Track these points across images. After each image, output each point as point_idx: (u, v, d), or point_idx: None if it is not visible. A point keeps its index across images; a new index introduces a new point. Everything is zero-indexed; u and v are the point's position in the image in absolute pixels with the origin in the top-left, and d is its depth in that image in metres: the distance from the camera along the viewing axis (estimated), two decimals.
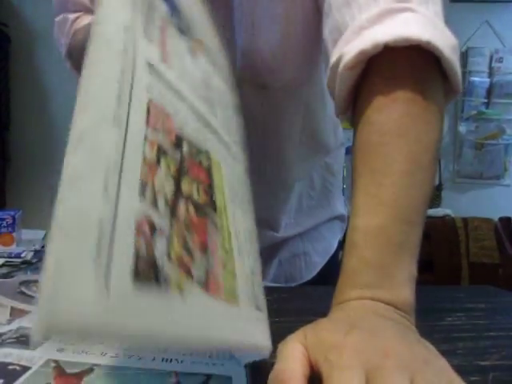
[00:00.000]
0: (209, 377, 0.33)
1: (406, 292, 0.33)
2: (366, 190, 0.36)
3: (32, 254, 1.27)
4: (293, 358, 0.26)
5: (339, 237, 0.81)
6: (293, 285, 0.74)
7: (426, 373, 0.24)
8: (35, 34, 2.59)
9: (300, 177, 0.74)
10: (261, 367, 0.33)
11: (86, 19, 0.63)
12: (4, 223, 1.30)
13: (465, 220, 1.91)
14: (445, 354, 0.26)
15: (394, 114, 0.38)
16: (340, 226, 0.82)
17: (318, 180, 0.78)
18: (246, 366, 0.35)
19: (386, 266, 0.34)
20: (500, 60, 2.85)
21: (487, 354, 0.40)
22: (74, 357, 0.35)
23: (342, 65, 0.41)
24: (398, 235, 0.35)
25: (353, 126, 0.42)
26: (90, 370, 0.33)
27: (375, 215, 0.35)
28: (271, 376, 0.26)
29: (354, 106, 0.43)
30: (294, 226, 0.75)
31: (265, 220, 0.72)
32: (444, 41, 0.39)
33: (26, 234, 1.49)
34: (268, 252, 0.73)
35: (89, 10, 0.63)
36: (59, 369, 0.33)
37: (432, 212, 2.47)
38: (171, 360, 0.36)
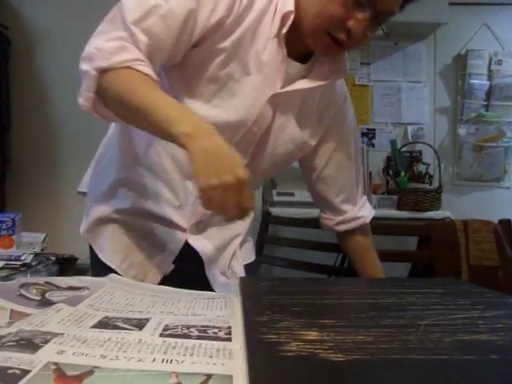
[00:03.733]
0: (209, 376, 0.33)
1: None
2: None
3: (32, 256, 1.27)
4: None
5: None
6: (251, 260, 1.01)
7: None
8: (35, 36, 2.60)
9: None
10: (262, 367, 0.33)
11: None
12: (4, 226, 1.30)
13: (465, 222, 1.91)
14: None
15: (371, 250, 1.05)
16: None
17: None
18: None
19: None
20: (499, 63, 2.86)
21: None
22: (74, 359, 0.35)
23: (363, 219, 1.04)
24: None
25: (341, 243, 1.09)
26: (91, 372, 0.33)
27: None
28: None
29: (347, 238, 1.06)
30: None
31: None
32: (372, 214, 1.07)
33: (26, 236, 1.49)
34: (237, 242, 0.95)
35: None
36: (59, 371, 0.33)
37: (432, 214, 2.46)
38: (171, 361, 0.36)
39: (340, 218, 1.03)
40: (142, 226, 0.88)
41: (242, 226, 0.97)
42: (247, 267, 0.97)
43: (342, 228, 1.04)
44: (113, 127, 0.94)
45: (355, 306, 0.54)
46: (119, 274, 0.86)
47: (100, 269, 0.88)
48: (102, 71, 0.69)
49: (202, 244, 0.88)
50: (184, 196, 0.85)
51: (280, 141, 0.88)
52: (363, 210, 1.03)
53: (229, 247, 0.93)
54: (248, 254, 1.00)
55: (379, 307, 0.53)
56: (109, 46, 0.69)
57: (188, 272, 0.86)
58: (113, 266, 0.88)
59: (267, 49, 0.80)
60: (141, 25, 0.70)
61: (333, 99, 0.93)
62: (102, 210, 0.89)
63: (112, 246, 0.89)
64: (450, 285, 0.70)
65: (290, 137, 0.89)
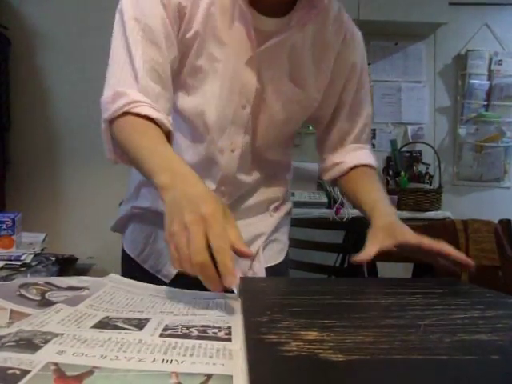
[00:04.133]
0: (209, 377, 0.33)
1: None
2: None
3: (32, 256, 1.27)
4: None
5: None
6: (276, 262, 0.98)
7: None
8: (35, 36, 2.60)
9: None
10: (262, 367, 0.33)
11: (146, 109, 0.69)
12: (4, 226, 1.30)
13: (465, 222, 1.91)
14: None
15: (376, 180, 0.92)
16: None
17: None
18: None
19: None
20: (499, 63, 2.86)
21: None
22: (73, 359, 0.35)
23: (343, 165, 0.93)
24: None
25: (337, 184, 0.99)
26: (90, 372, 0.33)
27: None
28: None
29: (344, 178, 0.95)
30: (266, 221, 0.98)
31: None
32: (376, 163, 0.96)
33: (26, 236, 1.49)
34: (260, 242, 0.94)
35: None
36: (59, 371, 0.33)
37: (432, 215, 2.46)
38: (171, 361, 0.36)
39: (323, 166, 0.98)
40: (161, 221, 0.88)
41: (266, 223, 0.95)
42: (271, 269, 0.93)
43: (326, 177, 0.97)
44: None
45: (355, 306, 0.54)
46: (139, 264, 0.92)
47: (125, 260, 0.96)
48: (110, 122, 0.70)
49: None
50: None
51: (277, 106, 0.84)
52: (347, 156, 0.93)
53: (251, 247, 0.91)
54: (273, 256, 0.96)
55: (379, 307, 0.53)
56: (107, 97, 0.71)
57: None
58: (132, 256, 0.94)
59: (234, 14, 0.77)
60: (134, 54, 0.72)
61: (329, 43, 0.85)
62: (127, 208, 0.95)
63: (133, 237, 0.95)
64: (450, 285, 0.70)
65: (287, 98, 0.84)
